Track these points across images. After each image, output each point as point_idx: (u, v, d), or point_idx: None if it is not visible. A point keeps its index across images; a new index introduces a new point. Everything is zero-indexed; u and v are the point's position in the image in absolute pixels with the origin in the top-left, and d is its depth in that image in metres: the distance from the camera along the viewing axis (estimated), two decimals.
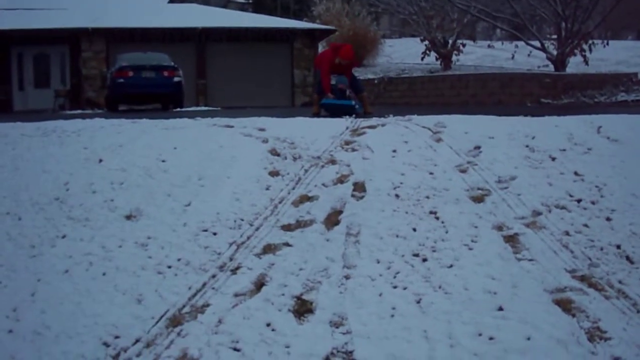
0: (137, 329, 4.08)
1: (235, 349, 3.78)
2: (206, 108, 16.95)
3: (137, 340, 3.95)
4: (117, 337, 3.99)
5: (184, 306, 4.35)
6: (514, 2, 18.10)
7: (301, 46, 22.53)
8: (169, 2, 30.43)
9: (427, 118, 8.66)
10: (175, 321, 4.16)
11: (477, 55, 27.10)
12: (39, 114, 14.64)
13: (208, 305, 4.34)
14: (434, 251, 4.99)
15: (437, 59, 22.62)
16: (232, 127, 8.49)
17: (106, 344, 3.92)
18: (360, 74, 23.02)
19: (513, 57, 19.76)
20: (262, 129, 8.26)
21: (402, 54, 30.60)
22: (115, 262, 5.02)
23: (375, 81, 19.60)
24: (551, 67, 18.03)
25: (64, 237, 5.52)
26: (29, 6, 22.25)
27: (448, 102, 17.35)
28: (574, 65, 19.27)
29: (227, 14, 25.89)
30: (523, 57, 21.02)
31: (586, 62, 17.51)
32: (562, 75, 16.69)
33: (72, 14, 21.46)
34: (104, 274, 4.84)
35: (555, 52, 17.65)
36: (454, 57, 22.48)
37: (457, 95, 17.37)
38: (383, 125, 8.58)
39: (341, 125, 8.69)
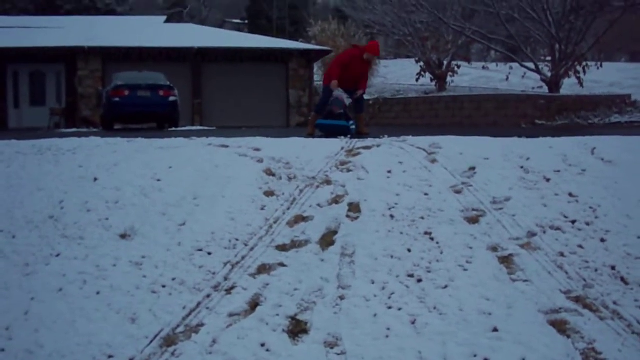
0: (130, 348, 4.06)
1: None
2: (202, 128, 16.98)
3: None
4: (110, 357, 3.98)
5: (178, 326, 4.34)
6: (508, 24, 18.21)
7: (297, 67, 22.65)
8: (165, 22, 30.59)
9: (422, 139, 8.69)
10: (169, 341, 4.15)
11: (472, 77, 27.26)
12: (34, 132, 14.65)
13: (202, 325, 4.32)
14: (428, 272, 4.99)
15: (432, 80, 22.74)
16: (227, 147, 8.50)
17: None
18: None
19: (507, 79, 19.88)
20: (257, 149, 8.27)
21: (398, 74, 30.76)
22: (110, 281, 5.00)
23: (370, 102, 19.65)
24: (545, 89, 18.12)
25: (58, 255, 5.50)
26: (26, 24, 22.32)
27: (443, 123, 17.41)
28: (568, 86, 19.38)
29: (223, 34, 26.05)
30: (518, 79, 21.15)
31: (580, 83, 17.62)
32: (556, 97, 16.78)
33: (69, 33, 21.56)
34: (98, 293, 4.82)
35: (549, 74, 17.74)
36: (448, 78, 22.59)
37: (452, 116, 17.44)
38: (378, 146, 8.60)
39: (336, 145, 8.72)
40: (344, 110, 10.82)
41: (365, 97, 21.30)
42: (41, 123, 19.50)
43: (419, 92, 22.45)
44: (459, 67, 22.49)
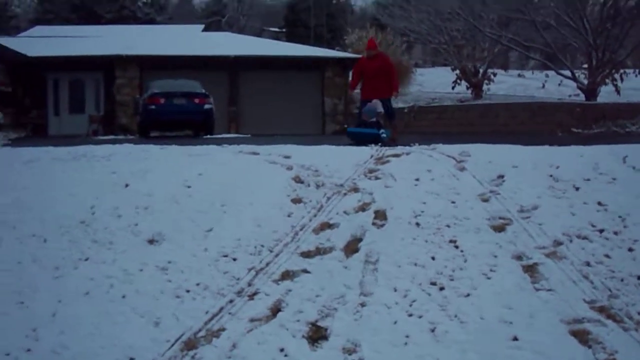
0: (152, 351, 4.13)
1: None
2: (236, 135, 17.09)
3: None
4: (132, 359, 4.04)
5: (199, 330, 4.40)
6: (545, 31, 18.05)
7: (332, 75, 22.71)
8: (203, 31, 30.96)
9: (451, 147, 8.67)
10: (190, 345, 4.21)
11: (508, 85, 27.02)
12: (72, 138, 14.93)
13: (224, 329, 4.38)
14: (451, 280, 4.98)
15: (467, 88, 22.61)
16: (257, 154, 8.59)
17: None
18: (391, 102, 23.17)
19: (544, 86, 19.68)
20: (287, 157, 8.34)
21: (434, 83, 30.59)
22: (136, 285, 5.09)
23: (405, 110, 19.63)
24: (582, 97, 17.91)
25: (87, 259, 5.61)
26: (67, 34, 22.81)
27: (478, 131, 17.26)
28: (606, 94, 19.12)
29: (260, 42, 26.26)
30: (555, 86, 20.95)
31: (617, 91, 17.37)
32: (593, 105, 16.58)
33: (108, 42, 21.96)
34: (123, 297, 4.91)
35: (585, 82, 17.53)
36: (484, 86, 22.43)
37: (487, 124, 17.31)
38: (407, 153, 8.61)
39: (366, 153, 8.74)
40: (376, 119, 10.86)
41: (401, 105, 21.40)
42: (80, 130, 19.89)
43: (455, 100, 22.34)
44: (495, 75, 22.33)
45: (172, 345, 4.21)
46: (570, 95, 18.80)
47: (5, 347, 4.26)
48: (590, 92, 17.51)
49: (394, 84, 11.67)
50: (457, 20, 20.18)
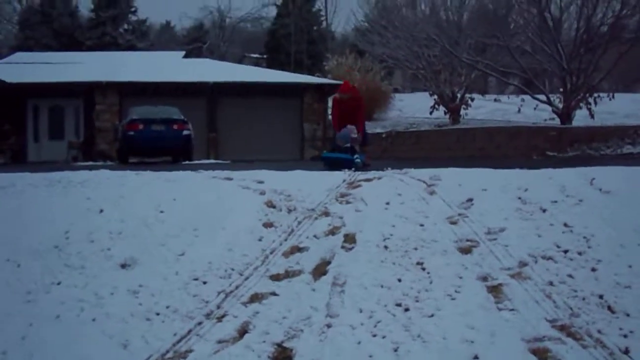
0: None
1: None
2: (215, 161, 17.19)
3: None
4: None
5: (167, 352, 4.46)
6: (520, 57, 18.37)
7: (311, 100, 22.92)
8: (184, 57, 31.13)
9: (423, 171, 8.82)
10: None
11: (487, 109, 27.35)
12: (51, 164, 14.95)
13: (191, 351, 4.44)
14: (416, 301, 5.07)
15: (445, 113, 22.89)
16: (231, 179, 8.69)
17: None
18: (369, 127, 23.33)
19: (519, 111, 19.99)
20: (260, 182, 8.44)
21: (413, 108, 30.92)
22: (106, 308, 5.14)
23: (383, 135, 19.86)
24: (558, 121, 18.20)
25: (59, 283, 5.66)
26: (47, 60, 22.87)
27: (455, 155, 17.51)
28: (582, 118, 19.43)
29: (239, 68, 26.46)
30: (532, 111, 21.26)
31: (592, 115, 17.70)
32: (568, 129, 16.87)
33: (88, 68, 22.06)
34: (93, 320, 4.96)
35: (560, 106, 17.84)
36: (462, 111, 22.73)
37: (464, 148, 17.55)
38: (379, 178, 8.75)
39: (338, 178, 8.87)
40: (350, 144, 11.02)
41: (379, 130, 21.65)
42: (60, 156, 19.90)
43: (433, 125, 22.60)
44: (472, 100, 22.63)
45: None
46: (545, 120, 19.10)
47: None
48: (565, 116, 17.82)
49: (360, 125, 11.88)
50: (434, 47, 20.47)
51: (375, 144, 20.11)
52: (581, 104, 17.67)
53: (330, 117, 22.21)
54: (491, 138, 17.07)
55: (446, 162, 11.70)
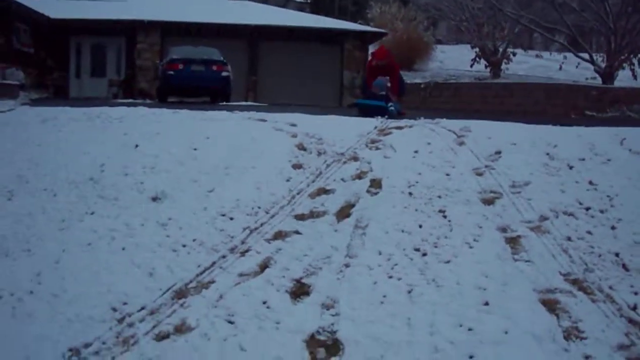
0: (144, 298, 4.42)
1: (230, 322, 4.09)
2: (252, 103, 17.30)
3: (142, 308, 4.29)
4: (125, 304, 4.34)
5: (191, 281, 4.68)
6: (565, 14, 17.99)
7: (351, 48, 22.74)
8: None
9: (454, 122, 8.85)
10: (181, 294, 4.49)
11: (530, 65, 26.92)
12: (93, 101, 15.23)
13: (213, 282, 4.66)
14: (435, 247, 5.20)
15: (486, 67, 22.59)
16: (265, 121, 8.83)
17: (114, 309, 4.28)
18: (409, 77, 23.22)
19: (561, 68, 19.66)
20: (293, 125, 8.57)
21: (455, 60, 30.49)
22: (136, 238, 5.38)
23: (422, 85, 19.69)
24: (600, 80, 17.88)
25: (92, 213, 5.91)
26: None
27: (492, 109, 17.30)
28: (626, 79, 19.05)
29: (280, 12, 26.28)
30: (577, 69, 20.89)
31: (634, 76, 17.32)
32: (609, 89, 16.53)
33: (131, 6, 22.11)
34: (123, 249, 5.20)
35: (603, 65, 17.49)
36: (503, 66, 22.40)
37: (502, 103, 17.33)
38: (410, 127, 8.80)
39: (370, 125, 8.95)
40: (385, 92, 11.05)
41: (418, 80, 21.49)
42: (100, 93, 20.18)
43: (473, 78, 22.33)
44: (514, 54, 22.26)
45: (164, 293, 4.49)
46: (587, 79, 18.75)
47: (11, 289, 4.58)
48: (608, 75, 17.47)
49: (395, 88, 11.82)
50: None
51: (413, 94, 20.00)
52: (624, 65, 17.28)
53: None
54: (529, 94, 16.81)
55: (482, 115, 11.68)
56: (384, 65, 11.73)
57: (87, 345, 3.88)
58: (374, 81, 11.34)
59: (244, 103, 16.54)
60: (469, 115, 11.58)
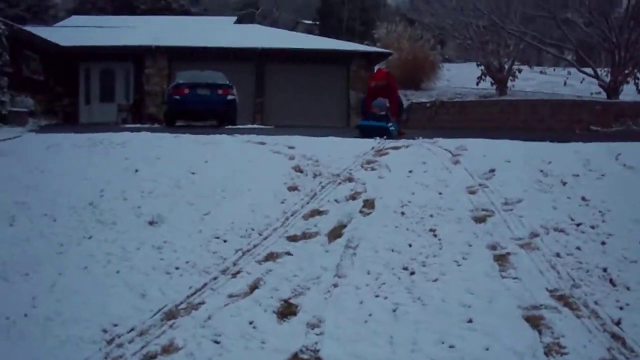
0: (135, 320, 4.52)
1: (216, 342, 4.17)
2: (258, 126, 17.48)
3: (132, 329, 4.38)
4: (116, 326, 4.44)
5: (181, 303, 4.77)
6: (568, 29, 18.07)
7: (357, 68, 22.94)
8: (236, 23, 31.40)
9: (451, 141, 8.94)
10: (171, 315, 4.58)
11: (537, 82, 26.94)
12: (101, 126, 15.47)
13: (204, 303, 4.74)
14: (423, 266, 5.27)
15: (492, 85, 22.66)
16: (264, 144, 8.96)
17: (105, 331, 4.37)
18: (416, 97, 23.34)
19: (565, 84, 19.68)
20: (291, 147, 8.70)
21: (463, 78, 30.57)
22: (131, 262, 5.49)
23: (428, 105, 19.81)
24: (605, 95, 17.91)
25: (90, 238, 6.04)
26: (100, 24, 23.43)
27: (498, 127, 17.37)
28: (631, 93, 19.04)
29: (287, 35, 26.56)
30: (584, 85, 20.91)
31: (639, 90, 17.34)
32: (614, 103, 16.57)
33: (139, 33, 22.49)
34: (118, 272, 5.31)
35: (608, 80, 17.53)
36: (509, 83, 22.46)
37: (508, 120, 17.41)
38: (407, 147, 8.90)
39: (368, 145, 9.05)
40: (385, 112, 11.17)
41: (424, 99, 21.60)
42: (110, 119, 20.47)
43: (479, 96, 22.40)
44: (520, 71, 22.33)
45: (154, 315, 4.59)
46: (592, 94, 18.78)
47: (6, 312, 4.68)
48: (613, 90, 17.50)
49: (395, 108, 11.99)
50: (481, 17, 20.25)
51: (419, 114, 20.11)
52: (629, 79, 17.32)
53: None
54: (534, 111, 16.89)
55: (485, 133, 11.74)
56: (383, 86, 11.92)
57: None
58: (373, 102, 11.49)
59: (250, 126, 16.71)
60: (473, 133, 11.63)
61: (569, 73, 19.46)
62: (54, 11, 36.38)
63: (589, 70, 18.41)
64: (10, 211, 6.70)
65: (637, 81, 17.45)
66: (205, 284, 5.06)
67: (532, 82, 26.33)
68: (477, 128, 17.77)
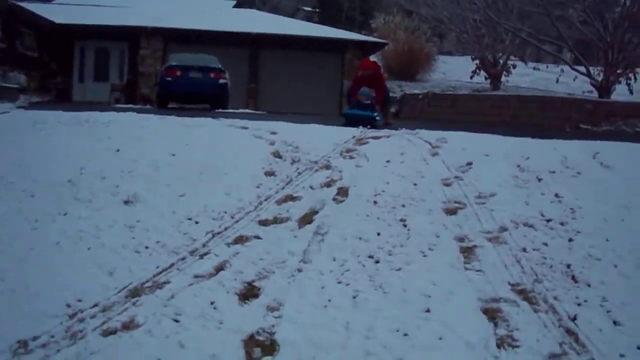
0: (99, 296, 4.58)
1: (176, 320, 4.24)
2: (249, 111, 17.47)
3: (95, 305, 4.45)
4: (79, 301, 4.49)
5: (147, 281, 4.84)
6: (564, 27, 18.10)
7: (352, 57, 22.93)
8: (234, 7, 31.29)
9: (432, 133, 9.00)
10: (135, 293, 4.65)
11: (532, 78, 26.97)
12: (95, 105, 15.47)
13: (168, 282, 4.81)
14: (389, 254, 5.34)
15: (486, 79, 22.71)
16: (246, 128, 9.00)
17: (68, 305, 4.43)
18: (409, 88, 23.36)
19: (557, 81, 19.73)
20: (273, 132, 8.75)
21: (459, 71, 30.59)
22: (102, 239, 5.53)
23: (420, 96, 19.81)
24: (596, 94, 17.98)
25: (65, 214, 6.08)
26: (96, 2, 23.36)
27: (489, 121, 17.41)
28: (624, 92, 19.10)
29: (283, 21, 26.50)
30: (577, 83, 20.97)
31: (631, 90, 17.40)
32: (604, 102, 16.63)
33: (135, 12, 22.44)
34: (89, 249, 5.36)
35: (599, 79, 17.59)
36: (503, 78, 22.51)
37: (498, 114, 17.43)
38: (388, 137, 8.96)
39: (349, 134, 9.10)
40: (370, 101, 11.21)
41: (417, 91, 21.62)
42: (103, 98, 20.43)
43: (473, 89, 22.46)
44: (514, 67, 22.37)
45: (119, 292, 4.65)
46: (584, 92, 18.84)
47: None
48: (604, 89, 17.56)
49: (380, 98, 12.01)
50: (477, 11, 20.26)
51: (411, 105, 20.10)
52: (620, 79, 17.38)
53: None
54: (524, 106, 16.92)
55: (471, 127, 11.78)
56: (369, 75, 11.93)
57: (35, 338, 4.03)
58: (358, 91, 11.53)
59: (241, 110, 16.72)
60: (461, 126, 11.68)
61: (562, 70, 19.48)
62: None
63: (582, 69, 18.45)
64: None
65: (628, 81, 17.50)
66: (172, 264, 5.12)
67: (527, 77, 26.36)
68: (467, 121, 17.81)
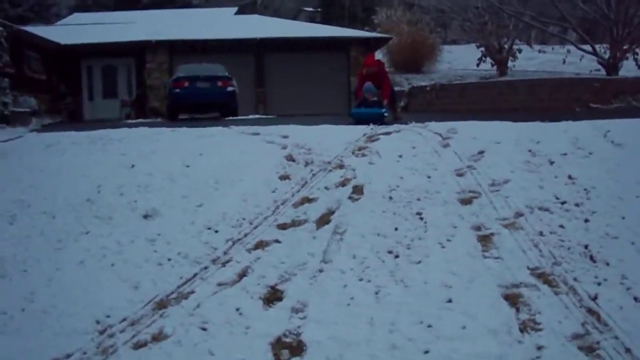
0: (127, 310, 4.68)
1: (203, 328, 4.34)
2: (259, 116, 17.59)
3: (124, 319, 4.55)
4: (108, 316, 4.60)
5: (172, 292, 4.94)
6: (566, 7, 18.05)
7: (357, 54, 22.95)
8: (237, 13, 31.43)
9: (441, 124, 9.04)
10: (161, 305, 4.75)
11: (539, 61, 26.87)
12: (106, 122, 15.62)
13: (193, 292, 4.91)
14: (408, 248, 5.41)
15: (492, 65, 22.67)
16: (258, 134, 9.10)
17: (98, 322, 4.54)
18: (416, 80, 23.37)
19: (564, 62, 19.66)
20: (285, 136, 8.84)
21: (465, 60, 30.51)
22: (125, 255, 5.65)
23: (428, 88, 19.84)
24: (604, 72, 17.90)
25: (87, 233, 6.21)
26: (101, 21, 23.59)
27: (498, 108, 17.39)
28: (632, 68, 19.00)
29: (286, 24, 26.60)
30: (584, 62, 20.88)
31: (638, 66, 17.33)
32: (612, 80, 16.55)
33: (139, 28, 22.63)
34: (112, 265, 5.48)
35: (606, 56, 17.53)
36: (510, 63, 22.46)
37: (506, 101, 17.41)
38: (398, 131, 9.02)
39: (360, 132, 9.17)
40: (377, 98, 11.27)
41: (424, 83, 21.63)
42: (113, 114, 20.66)
43: (480, 77, 22.42)
44: (520, 51, 22.31)
45: (145, 305, 4.75)
46: (591, 71, 18.74)
47: (3, 307, 4.86)
48: (612, 66, 17.49)
49: (386, 94, 12.06)
50: None
51: (419, 97, 20.14)
52: (627, 55, 17.30)
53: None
54: (533, 91, 16.88)
55: (481, 115, 11.81)
56: (373, 72, 12.01)
57: (68, 356, 4.14)
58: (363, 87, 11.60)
59: (251, 116, 16.83)
60: (470, 115, 11.67)
61: (568, 51, 19.41)
62: (57, 9, 36.54)
63: (588, 48, 18.39)
64: (10, 210, 6.87)
65: (635, 57, 17.43)
66: (196, 274, 5.22)
67: (533, 61, 26.26)
68: (476, 110, 17.79)
